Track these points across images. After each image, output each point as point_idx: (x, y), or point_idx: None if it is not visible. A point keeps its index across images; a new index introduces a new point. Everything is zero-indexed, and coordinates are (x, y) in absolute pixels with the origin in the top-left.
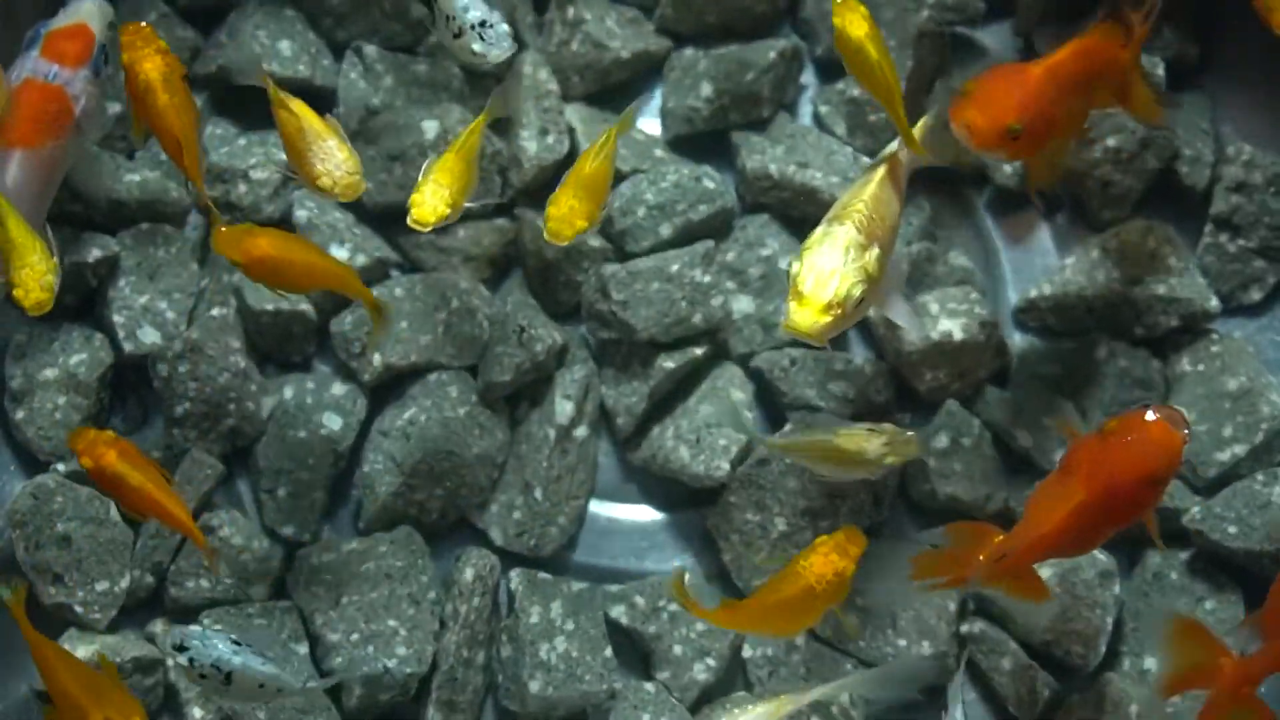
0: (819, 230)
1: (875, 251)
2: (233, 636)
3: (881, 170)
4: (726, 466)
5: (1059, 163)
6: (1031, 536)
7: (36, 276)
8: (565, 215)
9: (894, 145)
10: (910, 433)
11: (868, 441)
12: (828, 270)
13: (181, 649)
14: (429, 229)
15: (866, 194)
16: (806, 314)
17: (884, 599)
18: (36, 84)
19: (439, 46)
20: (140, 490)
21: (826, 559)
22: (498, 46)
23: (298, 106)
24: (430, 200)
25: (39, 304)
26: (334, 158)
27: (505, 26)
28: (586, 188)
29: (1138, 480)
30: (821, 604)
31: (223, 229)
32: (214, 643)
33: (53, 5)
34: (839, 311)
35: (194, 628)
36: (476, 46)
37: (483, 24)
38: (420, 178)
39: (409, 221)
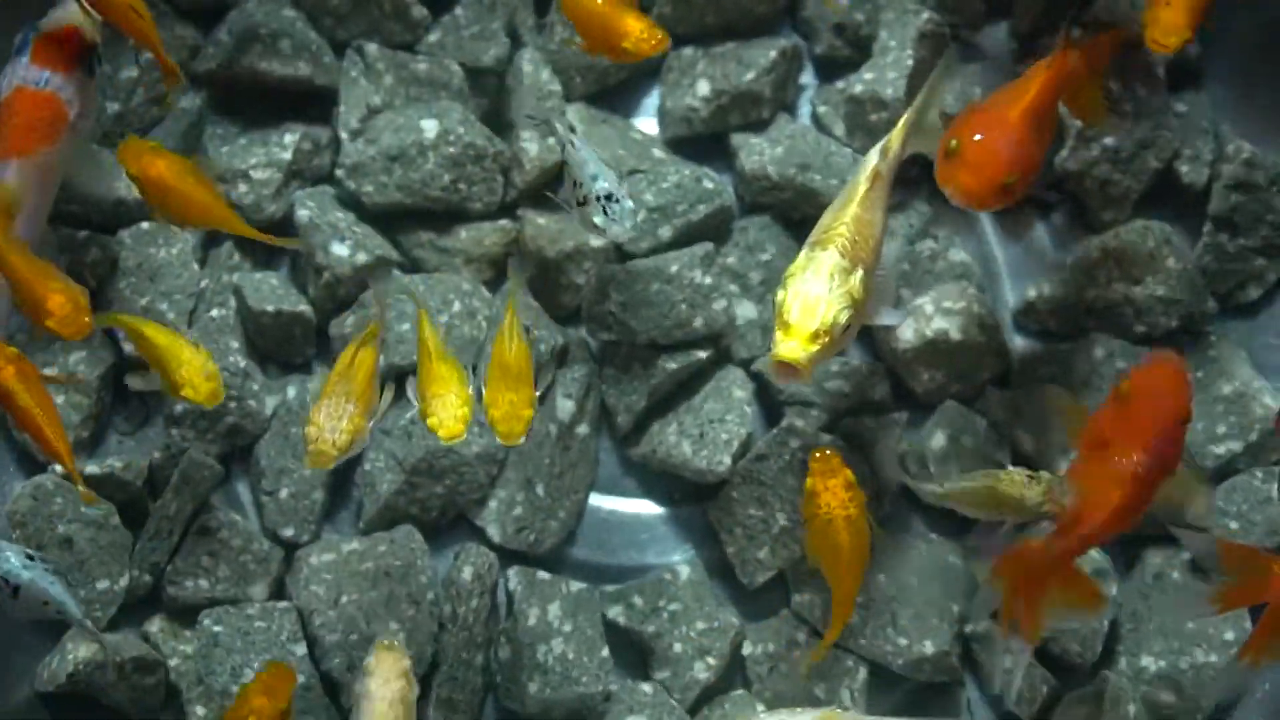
0: (802, 256)
1: (859, 274)
2: (28, 552)
3: (862, 187)
4: (728, 461)
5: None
6: (1101, 516)
7: (197, 369)
8: (509, 412)
9: (873, 158)
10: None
11: (1027, 489)
12: (813, 298)
13: None
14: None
15: (848, 215)
16: (794, 345)
17: (891, 592)
18: (28, 92)
19: (438, 45)
20: (26, 411)
21: (829, 490)
22: (620, 224)
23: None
24: (452, 412)
25: (213, 394)
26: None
27: (630, 204)
28: (515, 376)
29: (1175, 424)
30: (863, 521)
31: (130, 140)
32: (6, 555)
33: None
34: (826, 340)
35: None
36: (598, 220)
37: (609, 197)
38: (423, 399)
39: (443, 441)
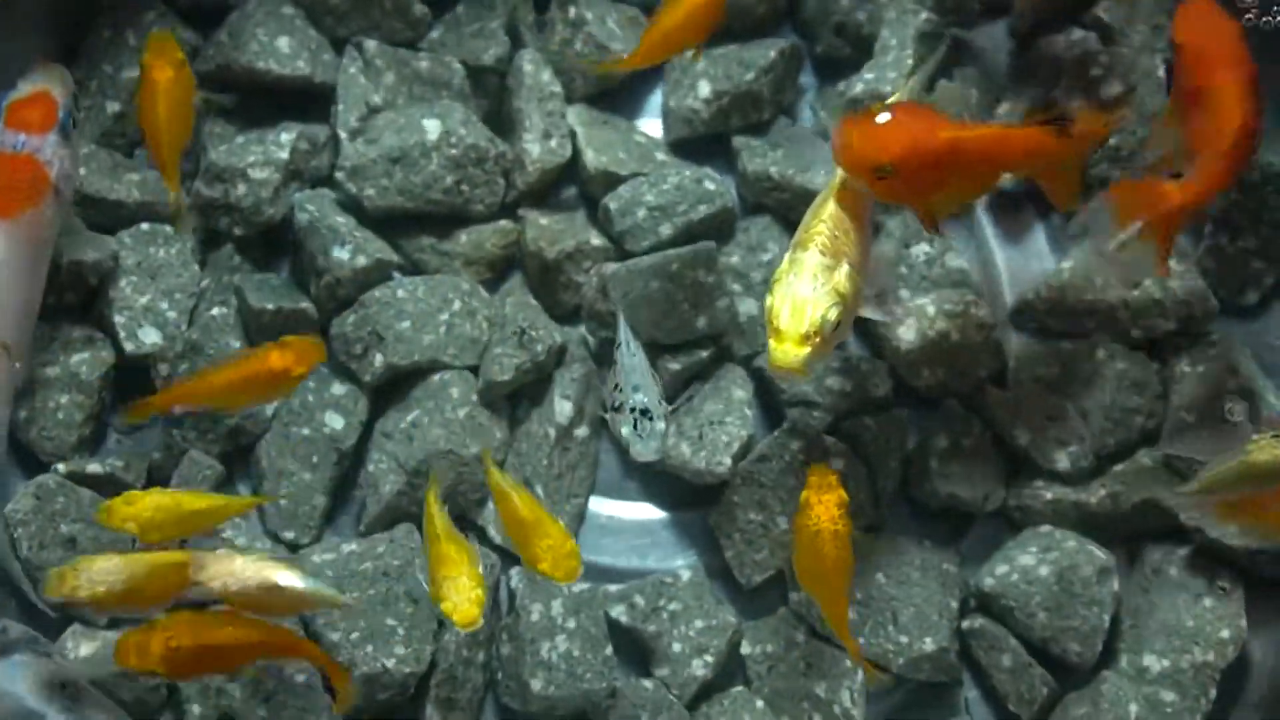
0: (786, 259)
1: (845, 269)
2: None
3: (836, 184)
4: (728, 462)
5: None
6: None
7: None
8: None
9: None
10: None
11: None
12: (800, 300)
13: None
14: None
15: (826, 213)
16: (787, 349)
17: (891, 591)
18: (5, 155)
19: (439, 43)
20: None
21: (822, 503)
22: (645, 444)
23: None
24: (465, 595)
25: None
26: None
27: (662, 425)
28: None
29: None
30: (848, 536)
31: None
32: None
33: None
34: (818, 339)
35: None
36: (625, 430)
37: (644, 412)
38: (434, 582)
39: (461, 628)
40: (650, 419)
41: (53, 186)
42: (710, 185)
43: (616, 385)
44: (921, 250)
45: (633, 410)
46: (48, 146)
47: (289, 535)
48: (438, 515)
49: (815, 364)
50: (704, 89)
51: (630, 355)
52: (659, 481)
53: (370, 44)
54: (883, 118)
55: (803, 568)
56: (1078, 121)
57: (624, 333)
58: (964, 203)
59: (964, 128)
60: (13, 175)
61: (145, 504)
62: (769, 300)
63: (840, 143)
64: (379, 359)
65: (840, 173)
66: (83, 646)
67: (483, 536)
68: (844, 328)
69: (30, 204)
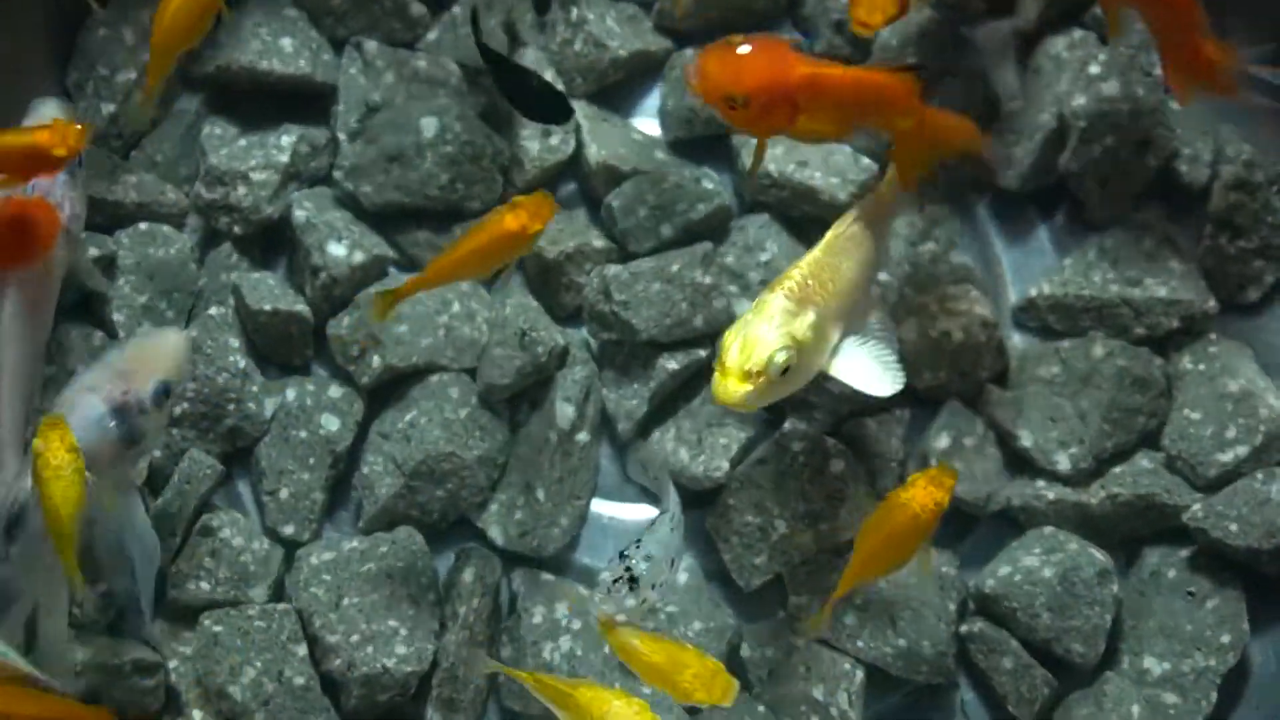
0: (757, 300)
1: (809, 318)
2: None
3: (837, 231)
4: (725, 466)
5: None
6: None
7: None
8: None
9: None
10: None
11: None
12: (752, 339)
13: None
14: None
15: (807, 259)
16: (728, 383)
17: (890, 595)
18: (17, 200)
19: (436, 44)
20: None
21: (926, 490)
22: (606, 601)
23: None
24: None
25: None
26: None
27: (633, 602)
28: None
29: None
30: (921, 536)
31: None
32: None
33: None
34: (762, 380)
35: None
36: (605, 574)
37: (633, 580)
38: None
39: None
40: (633, 590)
41: (64, 229)
42: (709, 184)
43: (639, 540)
44: (928, 248)
45: (627, 570)
46: (58, 188)
47: (288, 531)
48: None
49: (755, 404)
50: None
51: (668, 529)
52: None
53: (370, 44)
54: (742, 49)
55: (868, 526)
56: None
57: (673, 505)
58: (816, 142)
59: (820, 65)
60: (27, 220)
61: None
62: (727, 336)
63: (697, 70)
64: (376, 361)
65: (845, 219)
66: (80, 651)
67: (483, 539)
68: (799, 374)
69: (46, 249)
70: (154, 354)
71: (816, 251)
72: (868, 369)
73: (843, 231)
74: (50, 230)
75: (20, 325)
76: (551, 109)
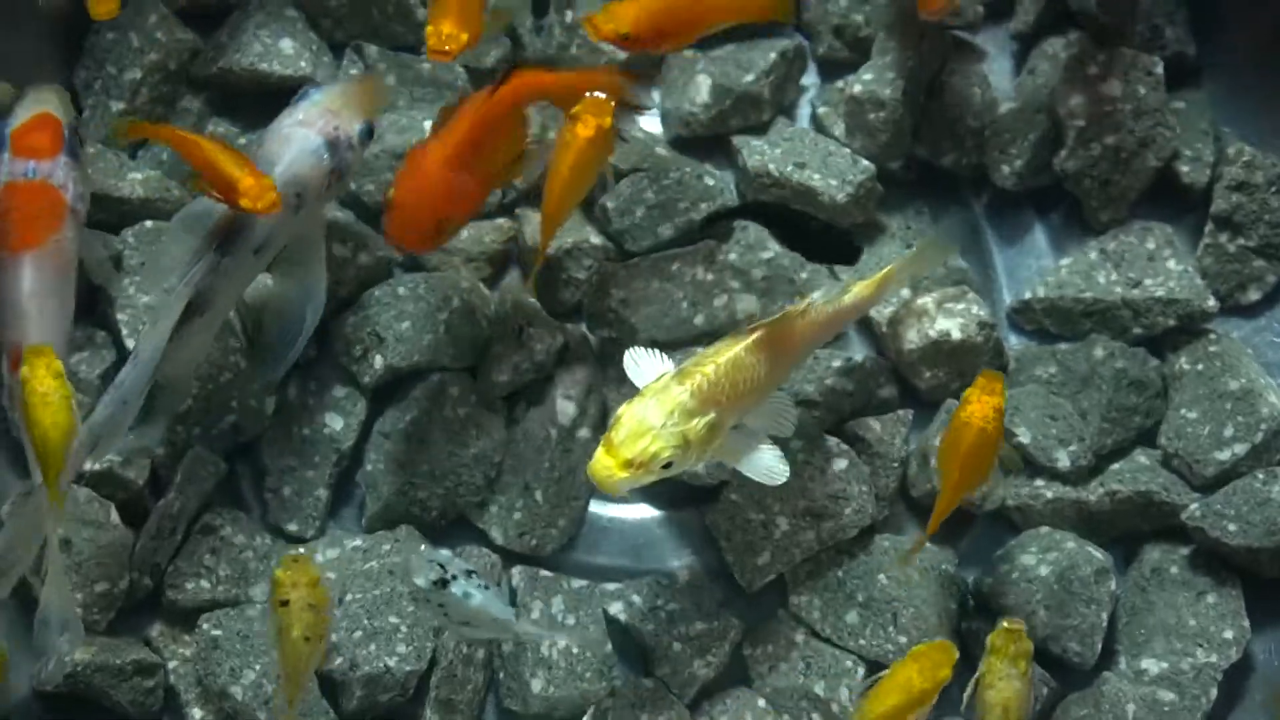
0: (665, 378)
1: (707, 419)
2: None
3: (763, 334)
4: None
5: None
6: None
7: None
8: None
9: (812, 299)
10: None
11: None
12: (643, 427)
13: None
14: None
15: (725, 356)
16: (607, 466)
17: (892, 592)
18: (20, 185)
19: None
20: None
21: (981, 403)
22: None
23: None
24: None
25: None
26: None
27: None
28: None
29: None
30: (993, 444)
31: None
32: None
33: None
34: (640, 471)
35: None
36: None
37: (444, 581)
38: None
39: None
40: (441, 588)
41: (69, 208)
42: (711, 182)
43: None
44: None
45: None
46: (59, 170)
47: (292, 528)
48: None
49: (626, 489)
50: (704, 90)
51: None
52: (659, 482)
53: (371, 48)
54: (393, 196)
55: (944, 453)
56: None
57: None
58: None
59: (443, 139)
60: (32, 204)
61: None
62: (623, 407)
63: (394, 232)
64: (379, 361)
65: (787, 314)
66: (78, 652)
67: (484, 539)
68: (682, 466)
69: (53, 230)
70: (358, 96)
71: (739, 350)
72: (756, 462)
73: (769, 337)
74: (55, 212)
75: (40, 303)
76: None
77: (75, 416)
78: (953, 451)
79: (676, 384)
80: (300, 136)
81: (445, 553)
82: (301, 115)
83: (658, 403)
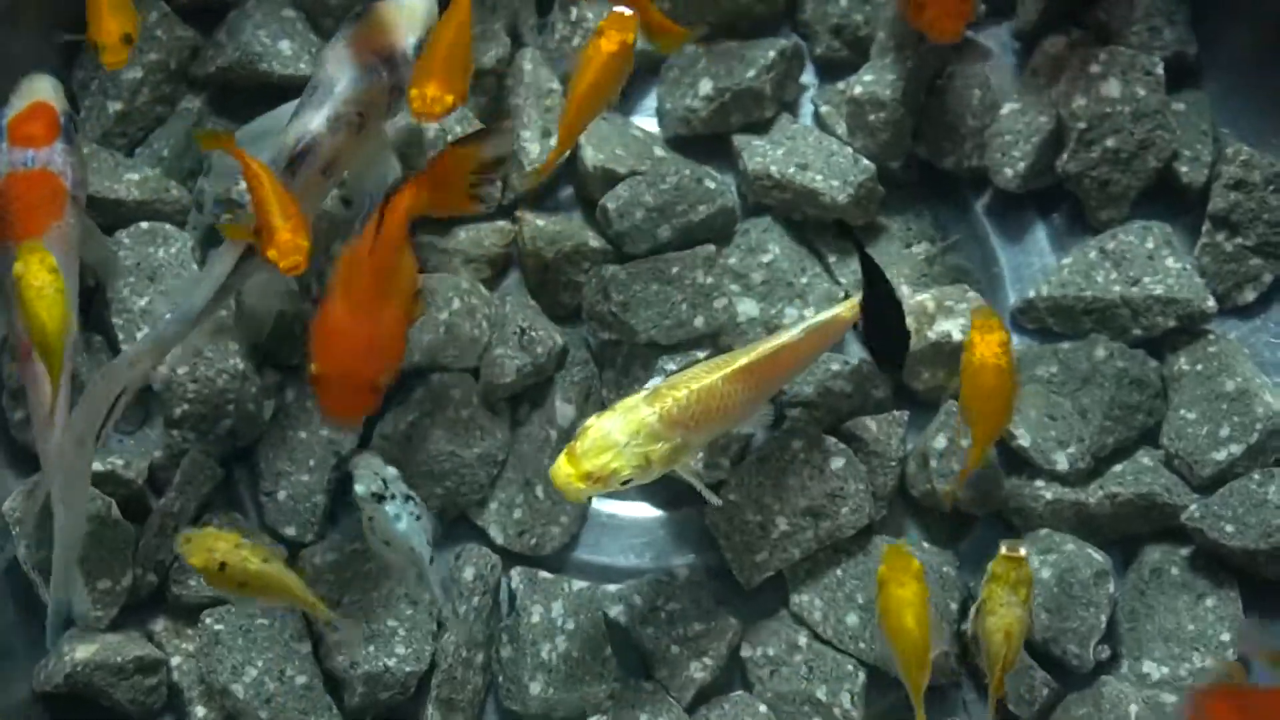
0: (638, 396)
1: (672, 444)
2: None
3: (743, 364)
4: (726, 464)
5: None
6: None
7: None
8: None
9: (788, 331)
10: None
11: None
12: (608, 443)
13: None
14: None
15: (701, 383)
16: (568, 474)
17: None
18: (19, 174)
19: None
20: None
21: (985, 341)
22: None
23: None
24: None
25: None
26: None
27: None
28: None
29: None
30: (1009, 379)
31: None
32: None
33: None
34: (599, 485)
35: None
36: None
37: (382, 497)
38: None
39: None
40: (379, 502)
41: (69, 195)
42: (711, 184)
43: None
44: (924, 248)
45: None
46: (57, 157)
47: (290, 532)
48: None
49: (582, 498)
50: (705, 86)
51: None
52: (659, 481)
53: None
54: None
55: (966, 401)
56: None
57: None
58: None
59: (350, 292)
60: (32, 193)
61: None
62: (592, 418)
63: (333, 410)
64: None
65: (762, 347)
66: (80, 649)
67: (483, 537)
68: (640, 482)
69: (54, 218)
70: (407, 14)
71: (717, 379)
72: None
73: (750, 369)
74: (55, 200)
75: None
76: (893, 348)
77: (71, 309)
78: (975, 397)
79: (646, 405)
80: (358, 55)
81: (393, 470)
82: (353, 36)
83: (625, 422)
